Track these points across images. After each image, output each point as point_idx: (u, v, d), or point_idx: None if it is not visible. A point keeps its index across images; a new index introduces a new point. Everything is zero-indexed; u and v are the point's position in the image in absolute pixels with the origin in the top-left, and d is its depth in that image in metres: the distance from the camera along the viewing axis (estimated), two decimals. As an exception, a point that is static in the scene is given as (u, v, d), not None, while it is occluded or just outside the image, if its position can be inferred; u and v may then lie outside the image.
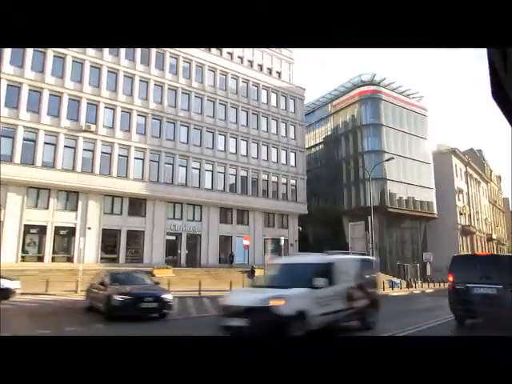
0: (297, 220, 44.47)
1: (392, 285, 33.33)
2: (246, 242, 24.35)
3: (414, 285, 35.95)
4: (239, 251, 37.72)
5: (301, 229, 46.33)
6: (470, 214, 59.12)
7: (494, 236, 69.13)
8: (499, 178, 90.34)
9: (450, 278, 11.97)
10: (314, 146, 54.72)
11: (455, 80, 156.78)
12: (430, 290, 34.02)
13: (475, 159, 72.81)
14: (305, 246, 55.84)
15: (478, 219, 63.07)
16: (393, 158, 36.43)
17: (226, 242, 38.66)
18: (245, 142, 40.57)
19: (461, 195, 56.29)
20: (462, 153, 64.66)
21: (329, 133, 52.39)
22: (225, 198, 37.94)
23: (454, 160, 55.40)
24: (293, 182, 44.01)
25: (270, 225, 42.15)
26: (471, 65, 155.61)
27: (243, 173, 40.07)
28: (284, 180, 43.26)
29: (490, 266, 11.57)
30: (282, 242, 43.42)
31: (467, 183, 59.79)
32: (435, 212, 51.11)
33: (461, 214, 52.41)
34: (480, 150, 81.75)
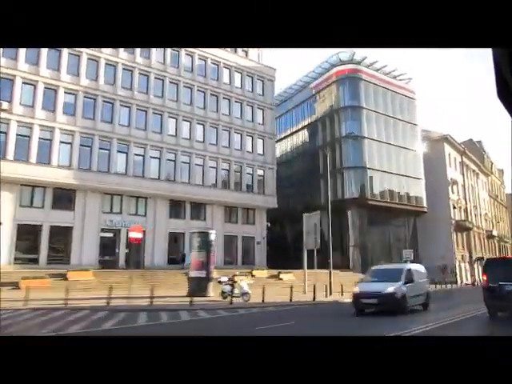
0: (265, 215, 39.51)
1: None
2: (133, 235, 19.36)
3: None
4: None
5: (269, 225, 41.33)
6: (467, 209, 53.68)
7: (495, 233, 63.49)
8: (501, 171, 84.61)
9: (484, 278, 14.17)
10: (292, 134, 49.68)
11: (458, 69, 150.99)
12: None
13: (474, 150, 67.41)
14: (283, 245, 50.91)
15: (476, 214, 57.57)
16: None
17: (177, 240, 33.84)
18: (201, 126, 35.71)
19: (455, 187, 50.91)
20: (460, 143, 59.32)
21: (306, 119, 47.34)
22: (176, 189, 33.07)
23: (447, 148, 50.08)
24: (260, 172, 39.09)
25: (232, 220, 37.19)
26: (474, 52, 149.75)
27: (199, 161, 35.21)
28: (249, 170, 38.33)
29: None
30: (259, 240, 38.63)
31: (463, 174, 54.40)
32: (425, 205, 45.84)
33: (454, 207, 47.06)
34: (480, 141, 76.30)
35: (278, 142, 53.10)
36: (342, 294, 22.74)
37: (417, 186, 45.25)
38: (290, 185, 48.33)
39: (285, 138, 50.77)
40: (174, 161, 33.78)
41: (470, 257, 52.19)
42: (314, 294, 19.96)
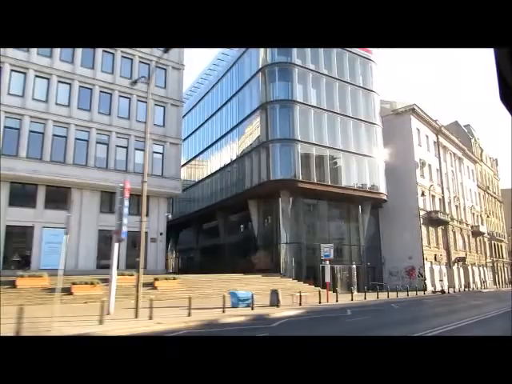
0: (164, 204, 30.34)
1: (273, 298, 18.68)
2: None
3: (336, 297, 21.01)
4: (49, 250, 24.23)
5: (170, 216, 32.19)
6: (443, 198, 44.08)
7: (484, 229, 53.66)
8: (495, 161, 74.80)
9: None
10: (221, 107, 40.48)
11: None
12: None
13: (460, 134, 58.00)
14: (216, 248, 41.71)
15: (457, 206, 47.91)
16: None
17: (22, 234, 24.83)
18: (66, 86, 26.72)
19: (427, 171, 41.37)
20: (445, 127, 49.96)
21: (234, 82, 38.18)
22: (21, 167, 24.03)
23: (415, 122, 40.62)
24: (158, 148, 29.96)
25: (113, 210, 28.00)
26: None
27: (60, 131, 26.17)
28: (140, 144, 29.18)
29: None
30: (154, 236, 29.72)
31: (439, 157, 44.86)
32: (383, 192, 36.37)
33: (423, 194, 37.51)
34: (468, 125, 66.77)
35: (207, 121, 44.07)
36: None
37: (373, 168, 35.83)
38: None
39: (213, 115, 41.65)
40: (19, 129, 24.77)
41: (449, 257, 42.56)
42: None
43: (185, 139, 43.94)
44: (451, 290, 36.30)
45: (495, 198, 67.41)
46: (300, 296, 18.78)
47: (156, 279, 23.76)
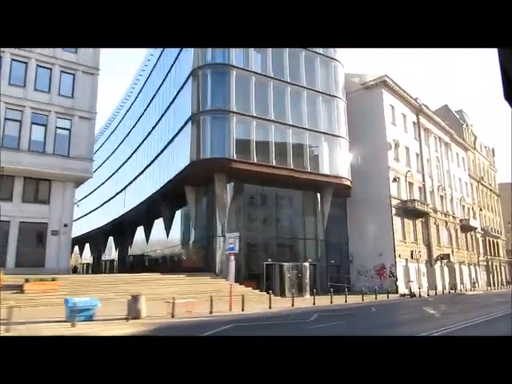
0: (71, 190, 25.16)
1: (131, 308, 13.41)
2: None
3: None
4: None
5: (79, 204, 27.04)
6: (425, 187, 38.49)
7: (475, 223, 47.92)
8: (491, 151, 68.96)
9: None
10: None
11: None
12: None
13: (450, 119, 52.47)
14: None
15: (442, 196, 42.26)
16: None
17: None
18: None
19: (403, 154, 35.84)
20: (434, 112, 44.52)
21: (169, 58, 32.87)
22: None
23: (388, 98, 35.07)
24: (63, 123, 24.82)
25: (2, 196, 22.95)
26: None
27: None
28: (38, 118, 24.12)
29: None
30: (55, 228, 24.54)
31: (420, 140, 39.28)
32: (346, 176, 30.92)
33: (396, 180, 31.90)
34: (460, 111, 61.14)
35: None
36: None
37: (333, 148, 30.40)
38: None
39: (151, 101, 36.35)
40: None
41: (430, 254, 36.98)
42: None
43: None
44: (432, 292, 30.76)
45: (491, 190, 61.55)
46: (173, 304, 13.41)
47: (27, 280, 18.53)
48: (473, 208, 51.22)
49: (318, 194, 30.54)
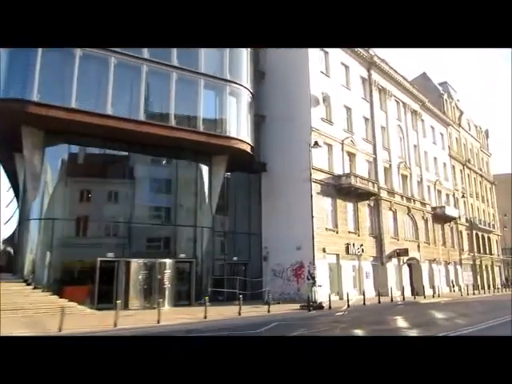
0: None
1: None
2: None
3: None
4: None
5: None
6: (376, 161, 29.36)
7: (454, 213, 38.53)
8: (485, 132, 59.37)
9: None
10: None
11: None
12: None
13: (429, 90, 43.50)
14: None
15: (405, 176, 33.04)
16: None
17: None
18: None
19: (336, 113, 26.82)
20: (411, 82, 35.74)
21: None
22: None
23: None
24: None
25: None
26: None
27: None
28: None
29: None
30: None
31: (371, 102, 30.18)
32: (245, 139, 22.09)
33: (317, 144, 22.75)
34: (445, 83, 51.99)
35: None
36: None
37: (223, 98, 21.62)
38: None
39: None
40: None
41: (380, 249, 27.87)
42: None
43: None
44: (370, 300, 21.73)
45: (482, 176, 51.93)
46: None
47: None
48: (454, 195, 41.84)
49: (199, 165, 21.76)
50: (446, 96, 45.72)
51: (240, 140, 21.63)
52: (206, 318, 13.71)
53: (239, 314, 14.87)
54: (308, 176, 22.40)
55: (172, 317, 14.35)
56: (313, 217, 21.93)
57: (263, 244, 25.18)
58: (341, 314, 16.70)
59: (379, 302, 20.92)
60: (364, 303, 19.82)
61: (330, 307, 17.71)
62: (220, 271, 23.15)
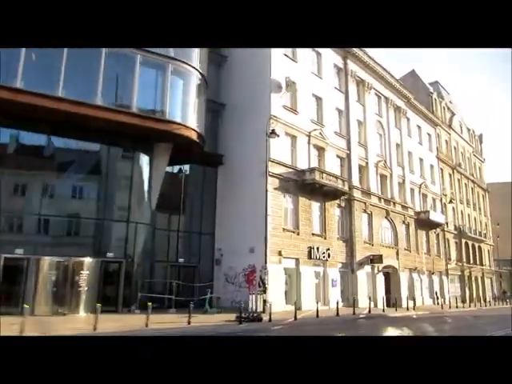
0: None
1: None
2: None
3: None
4: None
5: None
6: (349, 156, 26.70)
7: (440, 219, 35.79)
8: (479, 138, 56.91)
9: None
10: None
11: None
12: None
13: (418, 89, 41.31)
14: None
15: (384, 176, 30.33)
16: None
17: None
18: None
19: (303, 102, 24.23)
20: (401, 79, 33.48)
21: None
22: None
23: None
24: None
25: None
26: None
27: None
28: None
29: None
30: None
31: (346, 93, 27.61)
32: (190, 125, 19.45)
33: (273, 133, 20.06)
34: (436, 82, 49.68)
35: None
36: None
37: (164, 81, 19.06)
38: None
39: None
40: None
41: (352, 255, 25.11)
42: None
43: None
44: (332, 311, 18.96)
45: (474, 182, 49.22)
46: None
47: None
48: (442, 200, 39.11)
49: (133, 149, 19.15)
50: (435, 95, 43.19)
51: (185, 126, 18.98)
52: (95, 329, 10.98)
53: (146, 325, 12.15)
54: (264, 170, 19.78)
55: (66, 326, 11.70)
56: (267, 215, 19.30)
57: (216, 245, 22.48)
58: (278, 327, 13.90)
59: (337, 314, 18.11)
60: (317, 315, 17.03)
61: (270, 319, 14.92)
62: (162, 274, 20.42)
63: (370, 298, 23.86)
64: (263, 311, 18.12)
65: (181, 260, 21.20)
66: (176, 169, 23.05)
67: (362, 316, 18.95)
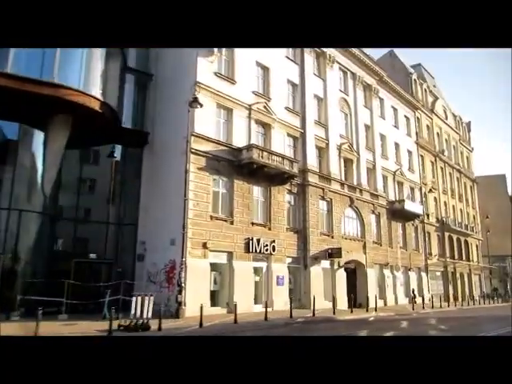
0: None
1: None
2: None
3: None
4: None
5: None
6: (305, 138, 23.30)
7: (417, 209, 32.40)
8: (467, 125, 53.58)
9: None
10: None
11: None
12: None
13: (396, 70, 38.15)
14: None
15: (350, 160, 26.95)
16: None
17: None
18: None
19: (242, 71, 20.85)
20: (379, 60, 30.26)
21: None
22: None
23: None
24: None
25: None
26: None
27: None
28: None
29: None
30: None
31: (302, 65, 24.23)
32: (94, 94, 16.05)
33: (196, 102, 16.72)
34: (419, 65, 46.44)
35: None
36: None
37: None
38: None
39: None
40: None
41: (305, 248, 21.74)
42: None
43: None
44: (275, 314, 15.59)
45: (460, 172, 45.86)
46: None
47: None
48: (421, 189, 35.72)
49: (39, 132, 15.79)
50: (414, 76, 39.83)
51: (84, 93, 15.61)
52: None
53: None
54: (185, 145, 16.43)
55: None
56: (186, 199, 15.96)
57: (140, 238, 19.12)
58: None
59: (266, 318, 14.73)
60: (235, 321, 13.62)
61: (159, 328, 11.52)
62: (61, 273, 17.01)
63: (324, 298, 20.55)
64: (177, 316, 14.85)
65: (92, 256, 17.83)
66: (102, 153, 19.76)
67: (299, 320, 15.56)
